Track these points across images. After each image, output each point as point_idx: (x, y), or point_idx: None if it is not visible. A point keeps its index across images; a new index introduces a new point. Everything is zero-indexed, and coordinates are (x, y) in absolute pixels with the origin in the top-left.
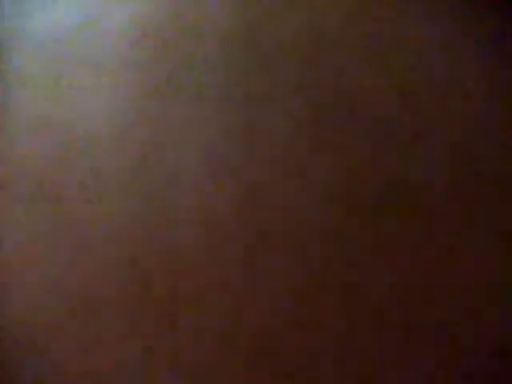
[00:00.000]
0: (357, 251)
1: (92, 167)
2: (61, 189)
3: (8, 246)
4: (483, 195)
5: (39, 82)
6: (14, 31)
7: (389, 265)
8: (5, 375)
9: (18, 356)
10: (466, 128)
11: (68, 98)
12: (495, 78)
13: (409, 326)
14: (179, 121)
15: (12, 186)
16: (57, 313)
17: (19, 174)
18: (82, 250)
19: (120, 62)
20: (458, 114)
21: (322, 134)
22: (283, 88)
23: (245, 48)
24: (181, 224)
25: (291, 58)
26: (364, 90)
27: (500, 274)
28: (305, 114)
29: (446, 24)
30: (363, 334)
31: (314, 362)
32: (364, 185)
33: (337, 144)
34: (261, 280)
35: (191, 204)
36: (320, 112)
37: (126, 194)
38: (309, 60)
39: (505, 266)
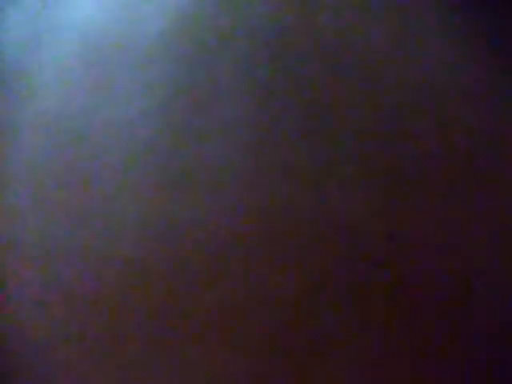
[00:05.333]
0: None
1: (95, 165)
2: (64, 187)
3: (9, 245)
4: (481, 195)
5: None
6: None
7: (387, 262)
8: (4, 375)
9: (18, 356)
10: (465, 128)
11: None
12: (495, 78)
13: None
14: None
15: (15, 185)
16: (57, 313)
17: (22, 173)
18: (84, 249)
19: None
20: (457, 114)
21: None
22: None
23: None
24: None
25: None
26: (363, 89)
27: (499, 273)
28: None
29: (446, 23)
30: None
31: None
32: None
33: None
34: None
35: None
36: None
37: (131, 191)
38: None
39: (504, 265)
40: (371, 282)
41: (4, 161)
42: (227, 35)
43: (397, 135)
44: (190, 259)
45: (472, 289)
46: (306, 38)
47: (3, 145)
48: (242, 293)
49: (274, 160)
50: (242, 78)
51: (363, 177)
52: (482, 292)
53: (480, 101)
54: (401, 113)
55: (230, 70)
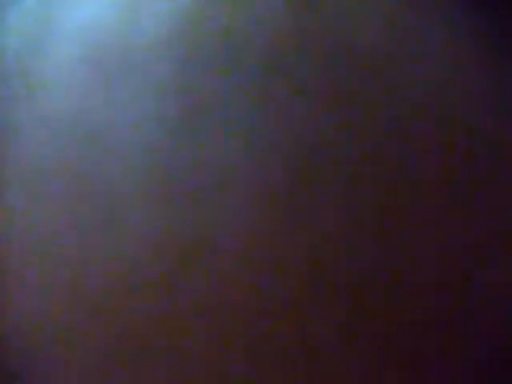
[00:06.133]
0: (359, 253)
1: (96, 165)
2: (65, 188)
3: (8, 245)
4: (481, 195)
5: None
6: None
7: (387, 262)
8: (5, 375)
9: (18, 356)
10: (465, 128)
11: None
12: (495, 77)
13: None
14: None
15: (15, 185)
16: (57, 313)
17: (22, 174)
18: (85, 249)
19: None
20: (457, 114)
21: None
22: None
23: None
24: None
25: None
26: (363, 88)
27: (500, 272)
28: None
29: (446, 23)
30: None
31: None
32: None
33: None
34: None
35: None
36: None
37: (130, 191)
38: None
39: (504, 265)
40: (371, 282)
41: (4, 161)
42: (227, 37)
43: (397, 135)
44: (190, 259)
45: (472, 289)
46: (305, 38)
47: (3, 145)
48: (242, 292)
49: (274, 160)
50: (241, 79)
51: (363, 177)
52: (481, 292)
53: (480, 101)
54: (401, 113)
55: (230, 70)
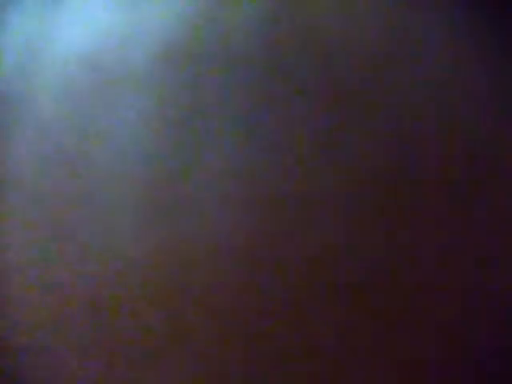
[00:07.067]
0: (358, 257)
1: (94, 166)
2: (64, 187)
3: (8, 245)
4: (481, 195)
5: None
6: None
7: (387, 262)
8: (4, 376)
9: (18, 356)
10: (465, 128)
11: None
12: (495, 77)
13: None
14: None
15: (15, 185)
16: (57, 314)
17: (22, 173)
18: (84, 249)
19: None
20: (457, 114)
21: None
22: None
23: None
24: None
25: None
26: (367, 90)
27: (500, 272)
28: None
29: (446, 23)
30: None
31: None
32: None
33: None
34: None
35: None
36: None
37: (126, 189)
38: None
39: (504, 265)
40: (371, 282)
41: (4, 161)
42: (227, 37)
43: (397, 135)
44: (190, 259)
45: (472, 289)
46: (305, 38)
47: (3, 145)
48: (242, 292)
49: (274, 160)
50: (241, 79)
51: (364, 176)
52: (481, 292)
53: (480, 101)
54: (401, 113)
55: (230, 70)
